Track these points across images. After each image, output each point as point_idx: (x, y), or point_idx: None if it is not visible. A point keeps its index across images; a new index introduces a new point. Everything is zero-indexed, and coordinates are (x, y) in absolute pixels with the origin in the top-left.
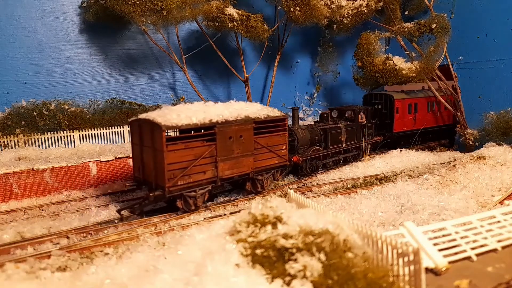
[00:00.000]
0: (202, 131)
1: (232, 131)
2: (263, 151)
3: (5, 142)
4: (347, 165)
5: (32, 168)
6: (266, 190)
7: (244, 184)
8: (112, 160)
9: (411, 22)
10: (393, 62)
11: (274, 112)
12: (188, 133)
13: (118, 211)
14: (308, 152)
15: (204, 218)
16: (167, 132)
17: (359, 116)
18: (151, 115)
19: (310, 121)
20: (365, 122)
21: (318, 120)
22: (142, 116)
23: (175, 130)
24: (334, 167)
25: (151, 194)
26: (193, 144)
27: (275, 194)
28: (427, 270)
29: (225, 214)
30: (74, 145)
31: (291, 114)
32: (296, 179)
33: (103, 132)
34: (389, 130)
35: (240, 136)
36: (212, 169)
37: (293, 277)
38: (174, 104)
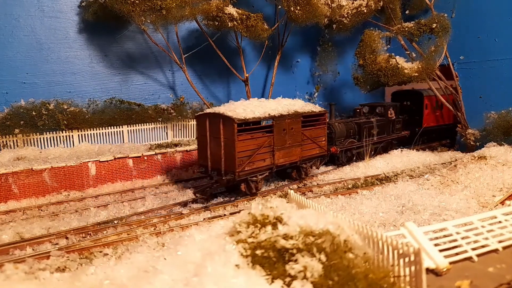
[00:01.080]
0: (263, 123)
1: (285, 124)
2: (308, 142)
3: (4, 142)
4: (348, 165)
5: (31, 168)
6: (308, 177)
7: (291, 171)
8: (111, 160)
9: (411, 22)
10: (396, 60)
11: (316, 108)
12: (251, 125)
13: (194, 193)
14: (344, 144)
15: (204, 219)
16: (238, 124)
17: (389, 112)
18: (220, 110)
19: None
20: (394, 117)
21: (352, 115)
22: (210, 110)
23: (243, 122)
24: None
25: (223, 178)
26: (256, 135)
27: (275, 194)
28: (428, 270)
29: (225, 215)
30: (73, 145)
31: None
32: (332, 168)
33: (102, 132)
34: (419, 125)
35: (291, 128)
36: (270, 157)
37: (294, 278)
38: (174, 104)
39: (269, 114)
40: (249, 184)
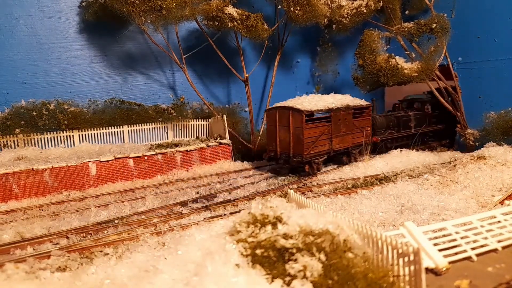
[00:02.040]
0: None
1: (340, 115)
2: (357, 131)
3: (5, 142)
4: (347, 165)
5: (32, 168)
6: (357, 161)
7: (342, 156)
8: (112, 160)
9: (411, 22)
10: (396, 61)
11: (363, 102)
12: (314, 116)
13: (268, 171)
14: (384, 134)
15: (204, 218)
16: (306, 115)
17: (425, 107)
18: (289, 104)
19: None
20: (430, 112)
21: (391, 109)
22: (279, 104)
23: (309, 114)
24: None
25: (294, 159)
26: (318, 124)
27: (275, 194)
28: (428, 270)
29: (225, 214)
30: (74, 145)
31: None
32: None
33: (103, 132)
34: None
35: (345, 119)
36: (328, 143)
37: (293, 277)
38: (174, 104)
39: (328, 107)
40: (312, 165)
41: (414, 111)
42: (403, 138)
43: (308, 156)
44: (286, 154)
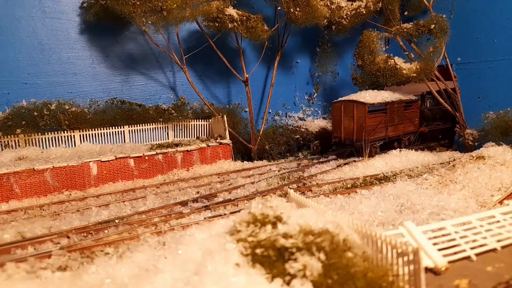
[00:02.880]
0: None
1: (394, 108)
2: (407, 121)
3: (6, 142)
4: (347, 165)
5: (33, 168)
6: (407, 148)
7: (394, 142)
8: (113, 160)
9: (410, 23)
10: (394, 61)
11: (412, 97)
12: (373, 108)
13: (335, 157)
14: (431, 126)
15: (204, 218)
16: (368, 107)
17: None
18: (352, 97)
19: (310, 120)
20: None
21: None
22: (343, 98)
23: (371, 105)
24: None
25: (357, 143)
26: (377, 115)
27: (275, 194)
28: (427, 269)
29: (225, 214)
30: (75, 145)
31: None
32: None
33: (104, 132)
34: None
35: (398, 110)
36: (384, 131)
37: (293, 276)
38: (175, 104)
39: (385, 100)
40: (371, 149)
41: (435, 107)
42: (445, 130)
43: (371, 140)
44: (349, 139)
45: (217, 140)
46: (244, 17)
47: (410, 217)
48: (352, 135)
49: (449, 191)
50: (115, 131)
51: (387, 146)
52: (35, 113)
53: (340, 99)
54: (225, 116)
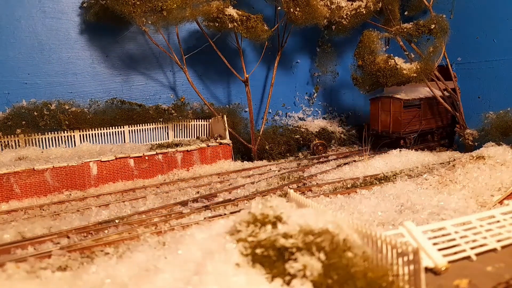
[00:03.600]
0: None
1: (427, 103)
2: (438, 116)
3: (6, 142)
4: (347, 165)
5: (33, 168)
6: (437, 141)
7: (427, 135)
8: (113, 160)
9: (410, 23)
10: (395, 61)
11: (446, 93)
12: (408, 103)
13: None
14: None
15: (205, 218)
16: (404, 102)
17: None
18: (388, 94)
19: (310, 120)
20: None
21: None
22: (380, 94)
23: (406, 101)
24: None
25: (393, 135)
26: (411, 110)
27: (275, 193)
28: (427, 269)
29: (225, 214)
30: (75, 145)
31: None
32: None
33: (104, 132)
34: None
35: (431, 106)
36: (418, 124)
37: (293, 276)
38: (175, 104)
39: (419, 96)
40: (405, 140)
41: None
42: None
43: (404, 133)
44: (386, 131)
45: (217, 140)
46: (244, 17)
47: (410, 217)
48: (389, 128)
49: (449, 191)
50: (115, 131)
51: (420, 138)
52: (35, 113)
53: (377, 95)
54: (225, 116)
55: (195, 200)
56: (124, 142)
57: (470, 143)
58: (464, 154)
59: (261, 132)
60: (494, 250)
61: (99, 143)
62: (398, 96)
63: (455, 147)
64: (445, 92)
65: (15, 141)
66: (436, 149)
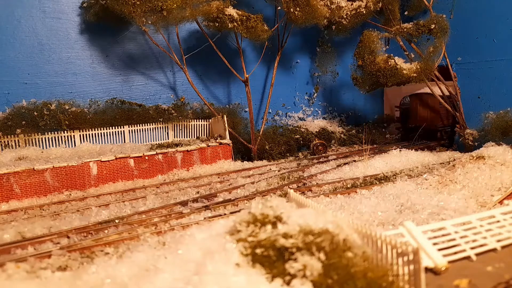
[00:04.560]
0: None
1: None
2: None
3: (6, 142)
4: (347, 165)
5: (33, 168)
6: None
7: (436, 133)
8: (113, 160)
9: (410, 23)
10: (395, 61)
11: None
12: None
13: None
14: None
15: (204, 218)
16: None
17: None
18: (428, 90)
19: (310, 120)
20: None
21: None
22: (420, 91)
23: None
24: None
25: (431, 128)
26: (440, 106)
27: (275, 193)
28: (427, 269)
29: (225, 214)
30: (75, 145)
31: None
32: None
33: (104, 132)
34: None
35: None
36: (443, 120)
37: (293, 276)
38: (175, 104)
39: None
40: (441, 133)
41: None
42: None
43: (440, 126)
44: (425, 125)
45: (217, 140)
46: (244, 17)
47: (410, 217)
48: (427, 122)
49: (449, 191)
50: (115, 131)
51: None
52: (35, 113)
53: (415, 92)
54: (225, 116)
55: (195, 200)
56: (124, 142)
57: (470, 143)
58: (464, 154)
59: (261, 132)
60: (494, 250)
61: (99, 143)
62: (436, 93)
63: (455, 147)
64: (445, 92)
65: (15, 141)
66: (436, 149)
